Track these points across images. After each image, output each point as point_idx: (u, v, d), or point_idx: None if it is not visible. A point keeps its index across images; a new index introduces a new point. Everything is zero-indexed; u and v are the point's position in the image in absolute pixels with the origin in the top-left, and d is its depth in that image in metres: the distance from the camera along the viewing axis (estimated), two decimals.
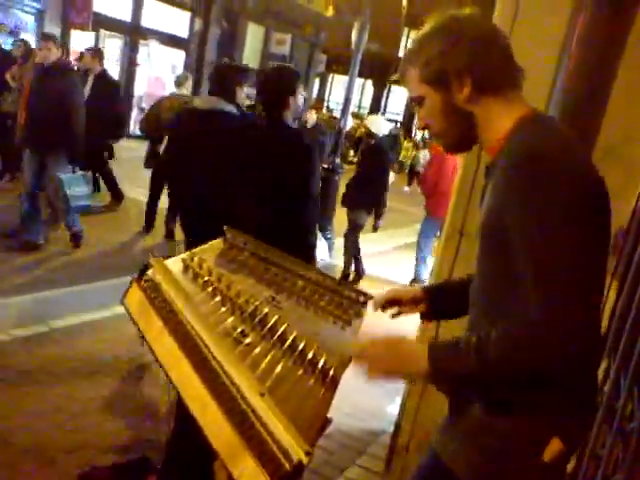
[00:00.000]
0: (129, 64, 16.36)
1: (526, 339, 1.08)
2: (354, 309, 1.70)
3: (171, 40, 17.46)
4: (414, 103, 1.34)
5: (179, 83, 6.49)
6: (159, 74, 17.19)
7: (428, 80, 1.26)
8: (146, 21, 16.48)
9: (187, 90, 6.54)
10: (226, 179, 2.26)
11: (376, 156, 6.26)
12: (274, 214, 2.18)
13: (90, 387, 3.13)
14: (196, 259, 1.48)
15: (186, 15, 17.95)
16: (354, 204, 6.12)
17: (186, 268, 1.44)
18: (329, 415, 1.21)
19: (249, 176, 2.23)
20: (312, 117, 6.67)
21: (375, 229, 7.74)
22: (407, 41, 30.18)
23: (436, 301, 1.60)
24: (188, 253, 1.51)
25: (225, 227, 1.72)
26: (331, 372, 1.30)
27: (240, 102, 2.62)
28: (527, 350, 1.08)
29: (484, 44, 1.24)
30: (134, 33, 16.26)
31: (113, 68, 16.48)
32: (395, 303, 1.62)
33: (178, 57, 17.74)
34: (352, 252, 6.20)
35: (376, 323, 1.71)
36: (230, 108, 2.54)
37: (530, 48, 1.93)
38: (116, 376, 3.31)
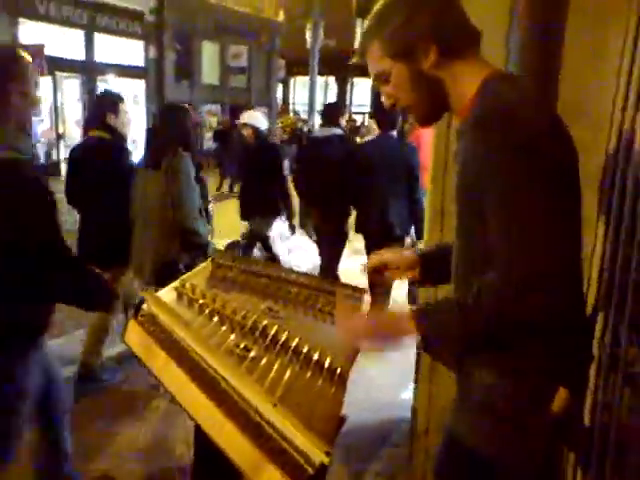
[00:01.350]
0: (90, 102, 16.32)
1: (501, 293, 1.11)
2: (351, 305, 1.73)
3: (128, 71, 17.47)
4: (379, 81, 1.33)
5: None
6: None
7: (393, 53, 1.26)
8: (100, 56, 16.48)
9: None
10: None
11: (262, 156, 5.13)
12: None
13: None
14: (188, 285, 1.50)
15: (139, 44, 17.95)
16: (248, 214, 5.20)
17: (179, 296, 1.46)
18: (344, 412, 1.24)
19: None
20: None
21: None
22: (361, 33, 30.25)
23: (432, 265, 1.62)
24: (179, 280, 1.53)
25: (210, 248, 1.75)
26: (338, 370, 1.33)
27: None
28: (505, 303, 1.12)
29: (443, 8, 1.25)
30: (90, 70, 16.24)
31: (75, 108, 16.47)
32: (390, 267, 1.65)
33: (138, 87, 17.74)
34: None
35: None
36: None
37: (481, 9, 1.95)
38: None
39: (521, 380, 1.22)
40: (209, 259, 1.73)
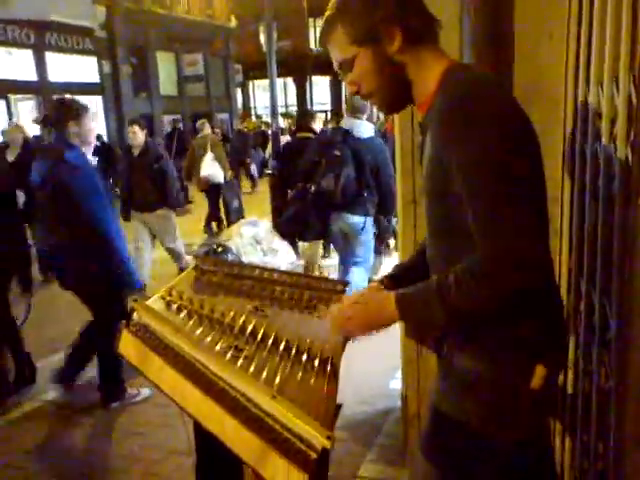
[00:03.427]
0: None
1: (479, 275, 1.15)
2: (334, 298, 1.77)
3: (84, 88, 17.21)
4: (343, 68, 1.34)
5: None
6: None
7: (357, 39, 1.26)
8: (53, 75, 16.21)
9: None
10: None
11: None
12: None
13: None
14: (174, 292, 1.52)
15: (92, 60, 17.73)
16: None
17: (168, 304, 1.48)
18: (338, 401, 1.28)
19: None
20: None
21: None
22: (315, 31, 30.43)
23: (401, 284, 1.57)
24: (165, 289, 1.54)
25: (193, 255, 1.77)
26: (329, 362, 1.37)
27: None
28: (482, 285, 1.15)
29: None
30: (44, 90, 15.96)
31: (31, 129, 16.17)
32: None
33: (96, 103, 17.48)
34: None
35: None
36: None
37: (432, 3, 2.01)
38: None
39: (499, 357, 1.27)
40: (192, 266, 1.76)
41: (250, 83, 31.06)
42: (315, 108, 29.68)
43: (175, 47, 20.85)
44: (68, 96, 3.86)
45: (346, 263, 4.45)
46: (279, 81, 22.31)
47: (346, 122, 4.36)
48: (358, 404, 3.31)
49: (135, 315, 1.29)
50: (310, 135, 5.48)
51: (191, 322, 1.41)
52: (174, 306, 1.47)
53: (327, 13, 1.31)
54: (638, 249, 1.58)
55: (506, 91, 1.34)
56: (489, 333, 1.27)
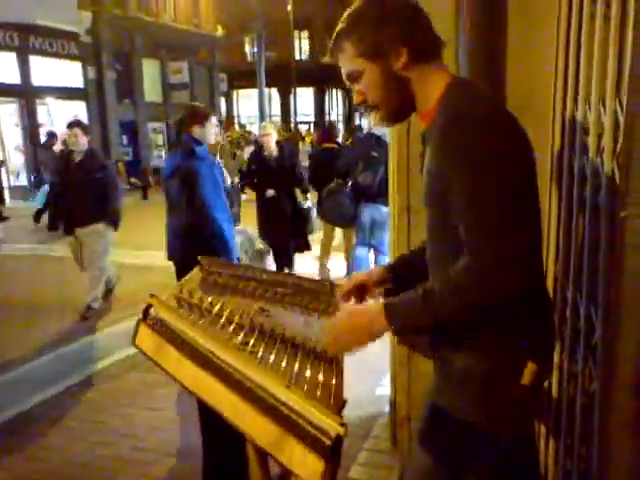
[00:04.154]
0: (30, 126, 15.92)
1: (470, 279, 1.23)
2: (332, 300, 1.84)
3: (68, 93, 17.13)
4: (350, 79, 1.41)
5: None
6: (64, 129, 16.80)
7: (365, 54, 1.34)
8: (37, 79, 16.09)
9: None
10: None
11: None
12: None
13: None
14: (185, 291, 1.58)
15: (77, 65, 17.63)
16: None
17: (180, 301, 1.54)
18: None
19: None
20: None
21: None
22: (300, 43, 30.67)
23: (401, 277, 1.72)
24: (176, 287, 1.61)
25: (199, 257, 1.83)
26: (334, 360, 1.44)
27: None
28: (472, 290, 1.23)
29: (412, 14, 1.34)
30: (27, 94, 15.85)
31: (15, 133, 16.02)
32: (362, 289, 1.73)
33: (79, 108, 17.39)
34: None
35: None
36: None
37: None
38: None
39: (493, 357, 1.34)
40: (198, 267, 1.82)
41: (234, 92, 31.16)
42: (299, 119, 29.89)
43: (161, 54, 20.85)
44: (197, 104, 4.47)
45: (379, 251, 5.36)
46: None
47: (377, 129, 5.05)
48: (345, 409, 3.36)
49: (152, 310, 1.35)
50: (334, 146, 6.38)
51: (203, 320, 1.46)
52: (186, 304, 1.52)
53: (338, 27, 1.40)
54: (623, 258, 1.68)
55: (503, 107, 1.42)
56: (483, 332, 1.34)
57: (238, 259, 3.75)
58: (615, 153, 1.65)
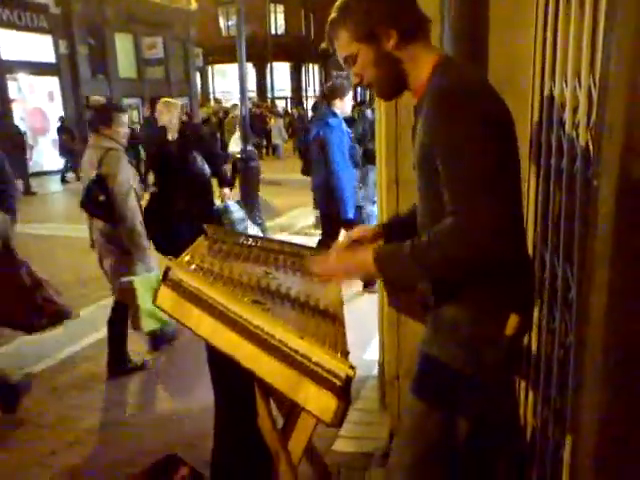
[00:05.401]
0: (1, 102, 15.56)
1: (451, 235, 1.35)
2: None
3: (40, 68, 16.70)
4: (348, 63, 1.55)
5: None
6: (37, 105, 16.46)
7: (359, 38, 1.48)
8: (6, 54, 15.65)
9: None
10: None
11: None
12: None
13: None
14: (197, 256, 1.70)
15: (48, 39, 17.15)
16: None
17: (190, 264, 1.66)
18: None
19: None
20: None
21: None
22: (276, 17, 30.29)
23: (394, 234, 1.85)
24: (187, 254, 1.72)
25: (205, 225, 1.95)
26: (336, 313, 1.58)
27: None
28: (452, 245, 1.35)
29: None
30: None
31: None
32: (359, 241, 1.86)
33: (52, 84, 17.02)
34: None
35: None
36: None
37: None
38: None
39: (479, 308, 1.50)
40: (203, 235, 1.94)
41: (209, 68, 30.71)
42: (275, 94, 29.66)
43: (134, 29, 20.45)
44: (339, 79, 5.61)
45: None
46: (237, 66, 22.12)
47: None
48: None
49: (170, 273, 1.46)
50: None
51: (215, 281, 1.58)
52: (198, 268, 1.64)
53: (331, 16, 1.54)
54: (596, 223, 1.82)
55: (487, 83, 1.55)
56: (469, 286, 1.49)
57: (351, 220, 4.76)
58: (589, 126, 1.78)
